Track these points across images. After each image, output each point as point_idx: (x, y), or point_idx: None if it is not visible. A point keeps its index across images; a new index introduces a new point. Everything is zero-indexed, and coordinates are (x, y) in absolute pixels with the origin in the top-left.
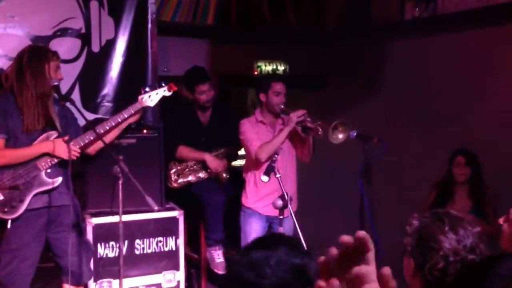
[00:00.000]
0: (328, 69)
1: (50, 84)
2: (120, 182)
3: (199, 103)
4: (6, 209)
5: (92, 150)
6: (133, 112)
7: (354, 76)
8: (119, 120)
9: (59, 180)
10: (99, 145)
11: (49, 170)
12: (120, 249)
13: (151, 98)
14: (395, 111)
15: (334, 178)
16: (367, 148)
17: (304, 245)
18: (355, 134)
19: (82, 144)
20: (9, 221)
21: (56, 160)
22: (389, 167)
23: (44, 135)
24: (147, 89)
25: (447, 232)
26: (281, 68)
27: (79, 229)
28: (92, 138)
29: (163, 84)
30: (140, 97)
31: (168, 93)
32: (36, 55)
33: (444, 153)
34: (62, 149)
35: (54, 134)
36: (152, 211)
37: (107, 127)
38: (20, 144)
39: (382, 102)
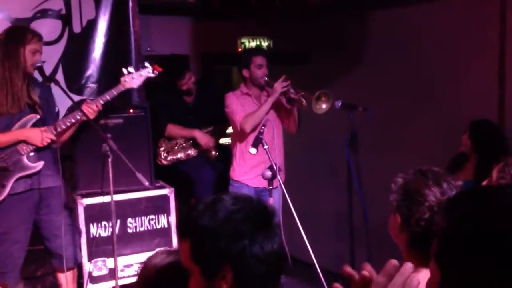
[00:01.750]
0: (312, 43)
1: (24, 67)
2: (110, 160)
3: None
4: None
5: (66, 136)
6: (115, 94)
7: (338, 49)
8: (102, 103)
9: (40, 164)
10: (71, 131)
11: (31, 154)
12: (113, 227)
13: (135, 79)
14: (380, 82)
15: (321, 148)
16: (352, 117)
17: (295, 214)
18: (340, 104)
19: (56, 132)
20: None
21: (60, 131)
22: (375, 137)
23: (25, 119)
24: (130, 69)
25: (431, 186)
26: (264, 44)
27: (67, 211)
28: (73, 120)
29: (147, 65)
30: (122, 78)
31: (152, 74)
32: (12, 37)
33: (429, 123)
34: (36, 137)
35: (34, 117)
36: (143, 188)
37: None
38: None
39: (366, 73)
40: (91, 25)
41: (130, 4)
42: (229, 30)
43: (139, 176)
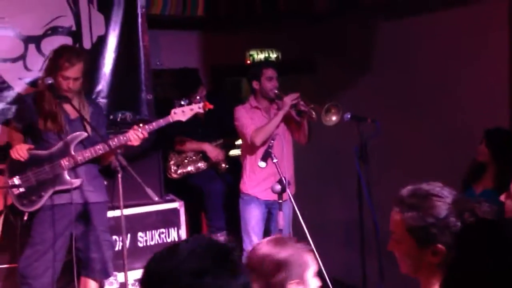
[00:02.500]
0: (318, 52)
1: (60, 90)
2: (119, 175)
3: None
4: (25, 202)
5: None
6: (163, 124)
7: (345, 58)
8: (148, 131)
9: (78, 181)
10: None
11: (71, 171)
12: (123, 242)
13: (185, 113)
14: (387, 91)
15: (331, 159)
16: (362, 129)
17: (305, 227)
18: (349, 116)
19: (83, 158)
20: (26, 214)
21: (81, 160)
22: (384, 147)
23: (73, 135)
24: (182, 102)
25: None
26: (273, 55)
27: (104, 226)
28: (118, 144)
29: (198, 101)
30: (173, 110)
31: (201, 110)
32: (51, 60)
33: (439, 132)
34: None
35: (82, 135)
36: (152, 202)
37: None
38: (43, 139)
39: (373, 83)
40: (101, 41)
41: (140, 19)
42: (237, 42)
43: (149, 191)
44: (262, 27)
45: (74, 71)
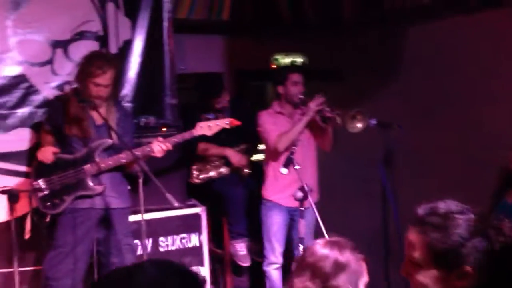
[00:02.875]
0: (345, 59)
1: (90, 96)
2: (140, 180)
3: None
4: (48, 204)
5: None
6: (188, 138)
7: (372, 65)
8: (172, 143)
9: (100, 188)
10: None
11: (94, 177)
12: (144, 246)
13: (210, 127)
14: (415, 99)
15: (356, 166)
16: (387, 135)
17: (326, 235)
18: (374, 122)
19: (106, 166)
20: (49, 216)
21: (104, 168)
22: (410, 155)
23: (99, 142)
24: (209, 116)
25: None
26: (299, 60)
27: (126, 231)
28: (141, 154)
29: (225, 117)
30: (199, 124)
31: (227, 126)
32: (82, 66)
33: (466, 141)
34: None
35: (106, 142)
36: (173, 208)
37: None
38: (69, 144)
39: (400, 90)
40: (127, 46)
41: (165, 24)
42: (262, 47)
43: (169, 196)
44: (288, 32)
45: (105, 79)
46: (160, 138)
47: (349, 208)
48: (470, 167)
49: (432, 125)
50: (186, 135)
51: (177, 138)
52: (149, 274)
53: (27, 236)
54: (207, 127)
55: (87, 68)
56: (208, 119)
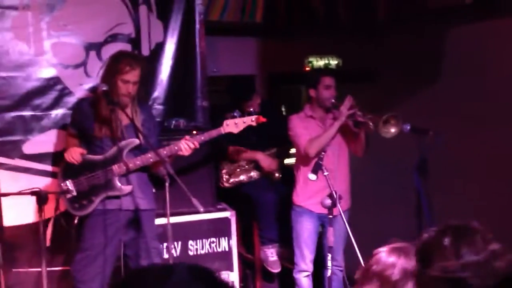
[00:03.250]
0: (380, 60)
1: (118, 95)
2: (167, 184)
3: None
4: (76, 205)
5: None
6: (214, 136)
7: (408, 67)
8: (199, 142)
9: (129, 188)
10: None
11: (122, 177)
12: (170, 250)
13: (237, 125)
14: (454, 103)
15: (390, 173)
16: (422, 142)
17: (355, 244)
18: (408, 127)
19: (134, 166)
20: (77, 217)
21: (132, 168)
22: (446, 162)
23: (126, 142)
24: (235, 114)
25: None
26: (333, 62)
27: (153, 234)
28: (168, 154)
29: (252, 114)
30: (225, 122)
31: (254, 124)
32: (109, 65)
33: (508, 148)
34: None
35: (134, 142)
36: (204, 211)
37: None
38: (96, 145)
39: (439, 94)
40: (159, 48)
41: (197, 26)
42: (296, 49)
43: (194, 201)
44: (322, 34)
45: (133, 75)
46: (187, 137)
47: (382, 216)
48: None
49: (472, 131)
50: (213, 133)
51: (204, 136)
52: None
53: (48, 243)
54: (233, 125)
55: (115, 65)
56: (234, 117)
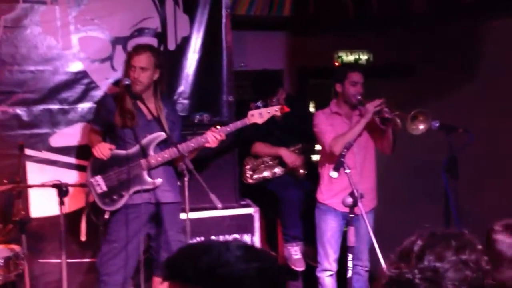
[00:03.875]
0: (415, 55)
1: (130, 80)
2: (186, 179)
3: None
4: (106, 200)
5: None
6: (240, 126)
7: (444, 62)
8: (225, 133)
9: (159, 181)
10: (193, 154)
11: (151, 171)
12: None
13: (262, 115)
14: (493, 99)
15: (417, 172)
16: (451, 139)
17: (376, 244)
18: (437, 124)
19: (162, 159)
20: (107, 212)
21: (160, 161)
22: (483, 161)
23: (152, 136)
24: (259, 104)
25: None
26: (364, 57)
27: (177, 227)
28: (196, 146)
29: (275, 104)
30: (250, 112)
31: (279, 113)
32: (129, 56)
33: None
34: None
35: (161, 136)
36: (228, 206)
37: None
38: (122, 139)
39: (476, 90)
40: (185, 42)
41: (223, 20)
42: (325, 43)
43: (213, 197)
44: (353, 28)
45: (138, 60)
46: (213, 128)
47: (410, 214)
48: None
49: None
50: (239, 123)
51: (230, 128)
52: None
53: (83, 238)
54: (258, 115)
55: (128, 55)
56: (258, 107)
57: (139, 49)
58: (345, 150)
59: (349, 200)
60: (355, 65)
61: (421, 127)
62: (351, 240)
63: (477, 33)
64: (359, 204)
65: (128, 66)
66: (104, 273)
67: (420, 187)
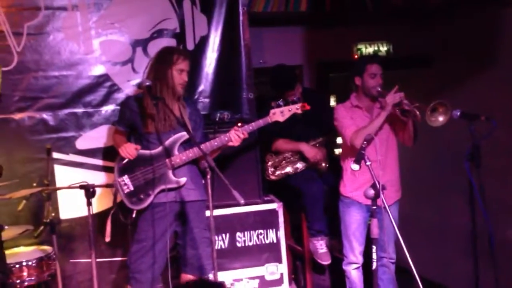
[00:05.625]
0: (434, 46)
1: (173, 86)
2: (208, 176)
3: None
4: (133, 200)
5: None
6: (262, 125)
7: (465, 52)
8: (248, 131)
9: (183, 180)
10: (216, 153)
11: (176, 170)
12: (214, 242)
13: (283, 113)
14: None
15: (441, 162)
16: (473, 128)
17: (400, 236)
18: (458, 113)
19: (187, 158)
20: (135, 211)
21: (184, 160)
22: (501, 150)
23: (176, 136)
24: (280, 102)
25: None
26: (383, 48)
27: (203, 224)
28: (219, 144)
29: (296, 101)
30: (272, 111)
31: (299, 111)
32: (161, 59)
33: None
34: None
35: (184, 136)
36: (252, 202)
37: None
38: (146, 140)
39: (498, 79)
40: (204, 41)
41: (241, 18)
42: (344, 36)
43: (235, 193)
44: (371, 20)
45: (186, 64)
46: (236, 127)
47: (435, 205)
48: None
49: None
50: (261, 122)
51: (252, 126)
52: None
53: (107, 239)
54: (279, 113)
55: (169, 57)
56: (280, 106)
57: (185, 53)
58: (365, 142)
59: (371, 192)
60: (373, 57)
61: (441, 119)
62: (374, 232)
63: (494, 21)
64: (381, 195)
65: (174, 69)
66: (135, 271)
67: (444, 177)
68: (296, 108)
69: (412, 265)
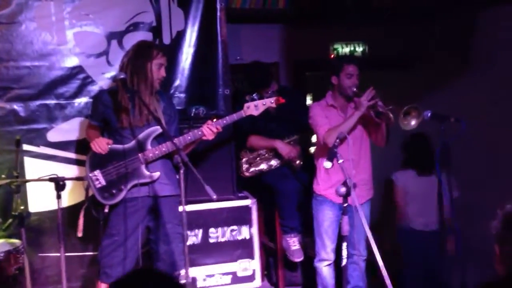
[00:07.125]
0: (412, 47)
1: (151, 81)
2: (182, 171)
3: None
4: (106, 195)
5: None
6: (236, 119)
7: (442, 53)
8: (221, 125)
9: (156, 174)
10: (190, 148)
11: (149, 164)
12: (186, 237)
13: (257, 107)
14: (490, 90)
15: None
16: (444, 129)
17: (370, 234)
18: (429, 114)
19: (160, 153)
20: (107, 206)
21: (158, 155)
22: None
23: (148, 131)
24: (254, 96)
25: None
26: (359, 49)
27: (176, 219)
28: (193, 139)
29: (270, 96)
30: (246, 104)
31: (274, 105)
32: (140, 53)
33: None
34: None
35: (157, 130)
36: (226, 198)
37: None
38: (120, 134)
39: (474, 80)
40: (180, 36)
41: (218, 13)
42: (321, 35)
43: (208, 188)
44: (349, 20)
45: (165, 60)
46: (210, 121)
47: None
48: None
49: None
50: (235, 116)
51: (227, 120)
52: None
53: (79, 234)
54: (253, 107)
55: (148, 51)
56: (254, 99)
57: (163, 49)
58: (338, 140)
59: (342, 189)
60: (350, 57)
61: (413, 122)
62: (345, 229)
63: (472, 22)
64: (352, 193)
65: (154, 63)
66: (106, 265)
67: None
68: (270, 102)
69: (381, 263)
